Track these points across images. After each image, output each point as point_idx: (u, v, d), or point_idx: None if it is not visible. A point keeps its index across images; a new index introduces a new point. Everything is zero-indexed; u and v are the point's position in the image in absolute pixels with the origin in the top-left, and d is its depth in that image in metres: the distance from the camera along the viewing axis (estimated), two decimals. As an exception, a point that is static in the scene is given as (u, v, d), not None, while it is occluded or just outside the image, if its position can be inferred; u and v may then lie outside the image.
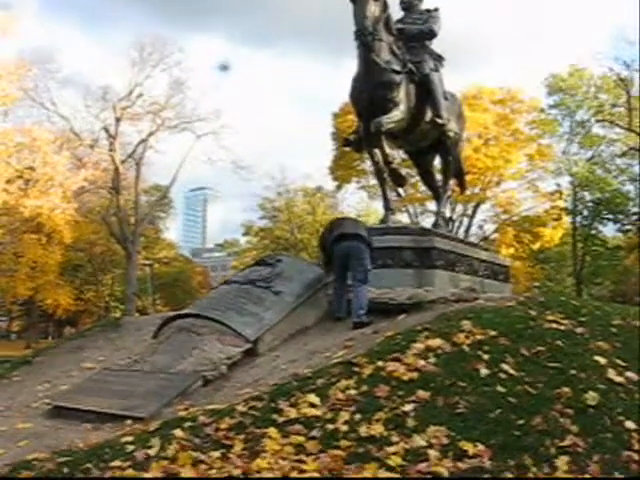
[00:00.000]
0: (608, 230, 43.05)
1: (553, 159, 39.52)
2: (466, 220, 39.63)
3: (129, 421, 5.90)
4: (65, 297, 41.53)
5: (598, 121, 39.48)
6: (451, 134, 11.80)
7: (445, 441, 4.60)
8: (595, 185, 40.01)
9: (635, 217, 40.18)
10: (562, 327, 6.47)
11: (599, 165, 40.93)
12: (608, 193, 40.00)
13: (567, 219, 40.74)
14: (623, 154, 38.91)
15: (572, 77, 40.25)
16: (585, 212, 41.48)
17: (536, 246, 40.80)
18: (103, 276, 51.06)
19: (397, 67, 10.59)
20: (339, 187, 44.20)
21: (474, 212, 39.77)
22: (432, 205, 34.07)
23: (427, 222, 30.15)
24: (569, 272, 45.84)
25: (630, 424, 4.96)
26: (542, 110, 40.15)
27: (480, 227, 41.48)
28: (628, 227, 41.15)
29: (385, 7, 10.61)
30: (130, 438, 4.91)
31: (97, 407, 6.50)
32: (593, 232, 41.94)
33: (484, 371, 5.48)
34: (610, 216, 41.29)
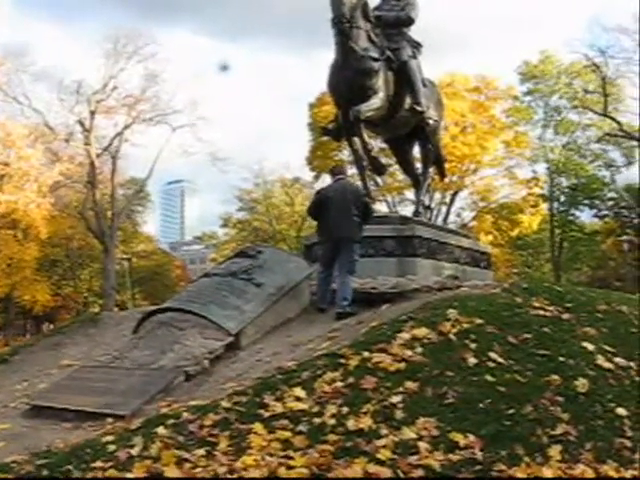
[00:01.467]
0: (585, 216, 43.37)
1: (529, 146, 39.61)
2: (444, 208, 39.67)
3: (110, 419, 5.74)
4: (43, 293, 41.00)
5: (574, 107, 39.63)
6: (430, 121, 11.72)
7: (435, 433, 4.52)
8: (571, 171, 40.22)
9: (611, 202, 40.47)
10: (548, 314, 6.43)
11: (575, 151, 41.10)
12: (584, 179, 40.24)
13: (544, 206, 40.89)
14: (599, 140, 39.08)
15: (543, 63, 40.33)
16: (562, 198, 41.68)
17: (514, 233, 40.89)
18: (81, 271, 50.49)
19: (375, 54, 10.49)
20: (317, 177, 43.99)
21: (452, 200, 39.76)
22: (410, 194, 34.17)
23: (405, 211, 30.19)
24: (547, 258, 46.06)
25: (621, 410, 4.92)
26: (516, 97, 40.20)
27: (458, 215, 41.55)
28: (605, 212, 41.42)
29: (362, -6, 10.48)
30: (111, 437, 4.77)
31: (77, 405, 6.34)
32: (570, 218, 42.14)
33: (472, 360, 5.41)
34: (587, 202, 41.51)
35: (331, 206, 8.60)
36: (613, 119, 35.94)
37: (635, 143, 37.71)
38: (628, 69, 34.58)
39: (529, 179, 39.84)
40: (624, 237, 36.22)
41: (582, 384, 5.16)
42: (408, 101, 11.04)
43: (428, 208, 13.79)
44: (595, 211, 41.85)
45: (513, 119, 39.58)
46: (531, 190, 39.62)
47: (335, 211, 8.56)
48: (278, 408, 4.92)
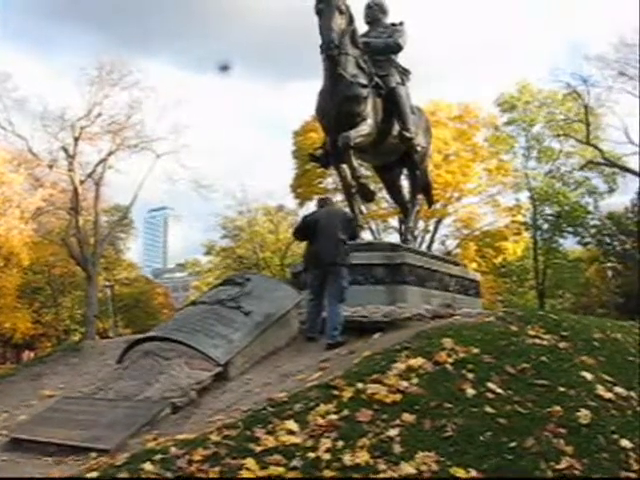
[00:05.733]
0: (568, 243, 43.49)
1: (511, 174, 39.81)
2: (428, 236, 39.68)
3: (94, 454, 5.53)
4: (23, 321, 40.46)
5: (556, 136, 39.95)
6: (419, 148, 11.67)
7: (435, 467, 4.35)
8: (554, 199, 40.38)
9: (594, 230, 40.67)
10: (545, 342, 6.31)
11: (557, 179, 41.34)
12: (567, 206, 40.40)
13: (528, 233, 41.02)
14: (582, 167, 39.36)
15: (521, 93, 40.67)
16: (545, 226, 41.83)
17: (498, 260, 40.95)
18: (63, 298, 49.92)
19: (364, 81, 10.44)
20: (301, 205, 43.96)
21: (436, 228, 39.80)
22: (394, 221, 34.19)
23: (390, 239, 30.09)
24: (531, 285, 46.09)
25: (626, 442, 4.78)
26: (496, 128, 40.45)
27: (442, 242, 41.55)
28: (588, 240, 41.59)
29: (351, 20, 10.47)
30: (95, 473, 4.58)
31: (59, 439, 6.11)
32: (554, 245, 42.25)
33: (470, 391, 5.26)
34: (570, 229, 41.67)
35: (318, 231, 8.46)
36: (595, 147, 36.27)
37: (617, 170, 38.05)
38: (608, 97, 35.01)
39: (512, 207, 40.00)
40: (607, 264, 36.43)
41: (584, 415, 5.02)
42: (397, 128, 10.99)
43: (414, 236, 13.67)
44: (578, 238, 41.99)
45: (494, 149, 39.80)
46: (514, 218, 39.76)
47: (323, 237, 8.42)
48: (270, 442, 4.73)
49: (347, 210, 10.33)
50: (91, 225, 39.68)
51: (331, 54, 10.04)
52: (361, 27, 11.31)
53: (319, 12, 10.11)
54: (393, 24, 11.73)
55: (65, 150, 37.24)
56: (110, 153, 38.04)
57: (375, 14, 11.72)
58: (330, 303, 8.13)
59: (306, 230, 8.71)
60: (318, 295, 8.38)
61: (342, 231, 8.44)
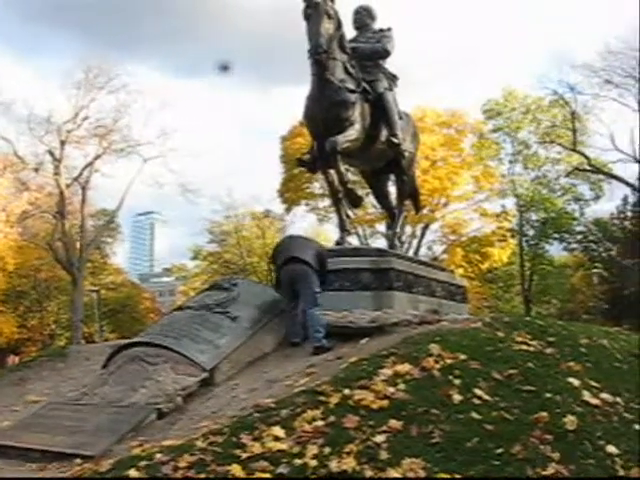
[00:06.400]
0: (554, 249, 43.66)
1: (498, 180, 39.94)
2: (415, 241, 39.72)
3: (78, 460, 5.47)
4: (8, 325, 40.25)
5: (542, 142, 40.14)
6: (406, 154, 11.67)
7: (422, 474, 4.33)
8: (540, 205, 40.53)
9: (580, 236, 40.86)
10: (531, 348, 6.31)
11: (543, 185, 41.50)
12: (553, 213, 40.56)
13: (514, 240, 41.16)
14: (568, 174, 39.56)
15: (507, 100, 40.85)
16: (531, 232, 41.98)
17: (485, 266, 41.05)
18: (48, 303, 49.56)
19: (352, 86, 10.44)
20: (288, 210, 43.93)
21: (423, 233, 39.87)
22: (382, 227, 34.20)
23: (376, 244, 30.12)
24: (517, 291, 46.24)
25: (612, 449, 4.78)
26: (482, 135, 40.57)
27: (429, 248, 41.63)
28: (574, 246, 41.79)
29: (339, 25, 10.47)
30: (80, 480, 4.52)
31: (42, 445, 6.06)
32: (540, 251, 42.40)
33: (457, 397, 5.25)
34: (556, 235, 41.84)
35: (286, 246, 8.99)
36: (582, 154, 36.47)
37: (603, 177, 38.29)
38: (594, 105, 35.25)
39: (498, 213, 40.14)
40: (593, 270, 36.60)
41: (570, 421, 5.01)
42: (384, 133, 10.98)
43: (402, 242, 13.65)
44: (564, 245, 42.18)
45: (480, 155, 39.92)
46: (501, 224, 39.90)
47: (288, 244, 9.00)
48: (256, 448, 4.70)
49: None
50: (77, 229, 39.48)
51: (319, 59, 10.04)
52: (349, 32, 11.33)
53: (307, 17, 10.11)
54: (381, 30, 11.73)
55: (51, 154, 37.04)
56: (97, 157, 37.88)
57: (363, 19, 11.73)
58: (306, 308, 8.15)
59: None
60: (292, 299, 8.41)
61: (310, 249, 8.71)
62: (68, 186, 37.48)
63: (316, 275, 8.39)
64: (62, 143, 36.88)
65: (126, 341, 8.73)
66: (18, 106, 37.73)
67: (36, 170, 37.14)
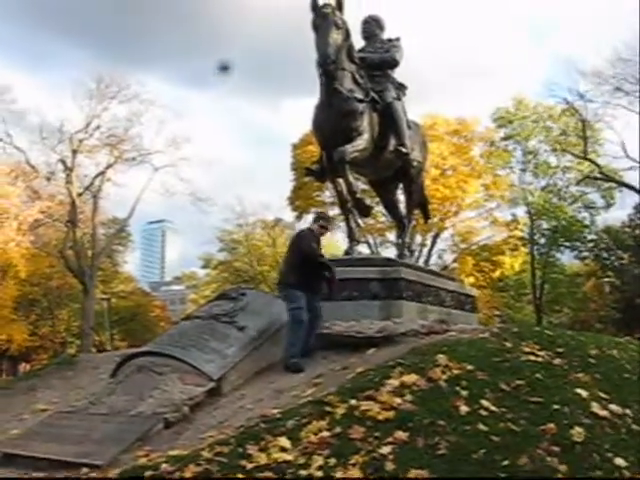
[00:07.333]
0: (566, 257, 43.47)
1: (509, 189, 39.84)
2: (425, 250, 39.65)
3: (85, 469, 5.48)
4: (20, 333, 40.38)
5: (553, 151, 40.06)
6: (415, 163, 11.66)
7: (428, 486, 4.30)
8: (551, 213, 40.37)
9: (591, 244, 40.67)
10: (540, 359, 6.27)
11: (554, 193, 41.36)
12: (564, 221, 40.39)
13: (525, 248, 41.00)
14: (579, 182, 39.41)
15: (517, 108, 40.79)
16: (542, 240, 41.80)
17: (496, 274, 40.90)
18: (59, 311, 49.77)
19: (360, 96, 10.45)
20: (299, 218, 43.95)
21: (433, 242, 39.80)
22: (392, 236, 34.11)
23: (386, 253, 30.06)
24: (528, 300, 46.01)
25: (620, 461, 4.73)
26: (492, 143, 40.50)
27: (440, 257, 41.56)
28: (585, 254, 41.58)
29: (347, 36, 10.49)
30: (86, 490, 4.53)
31: (50, 454, 6.06)
32: (551, 260, 42.21)
33: (464, 408, 5.22)
34: (567, 244, 41.65)
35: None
36: (592, 162, 36.31)
37: (614, 185, 38.12)
38: (605, 112, 35.10)
39: (509, 221, 40.03)
40: (605, 279, 36.39)
41: (578, 433, 4.98)
42: (393, 143, 10.98)
43: (411, 251, 13.60)
44: (576, 253, 41.98)
45: (490, 164, 39.84)
46: (512, 232, 39.77)
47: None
48: (262, 459, 4.70)
49: (304, 228, 10.16)
50: (88, 238, 39.64)
51: (328, 69, 10.06)
52: (358, 42, 11.36)
53: (316, 27, 10.14)
54: (390, 39, 11.76)
55: (63, 163, 37.27)
56: (108, 166, 38.09)
57: (372, 29, 11.76)
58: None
59: None
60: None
61: (295, 253, 8.59)
62: (80, 195, 37.69)
63: (292, 290, 8.24)
64: (74, 152, 37.11)
65: (134, 350, 8.76)
66: (31, 115, 38.10)
67: (48, 179, 37.40)
